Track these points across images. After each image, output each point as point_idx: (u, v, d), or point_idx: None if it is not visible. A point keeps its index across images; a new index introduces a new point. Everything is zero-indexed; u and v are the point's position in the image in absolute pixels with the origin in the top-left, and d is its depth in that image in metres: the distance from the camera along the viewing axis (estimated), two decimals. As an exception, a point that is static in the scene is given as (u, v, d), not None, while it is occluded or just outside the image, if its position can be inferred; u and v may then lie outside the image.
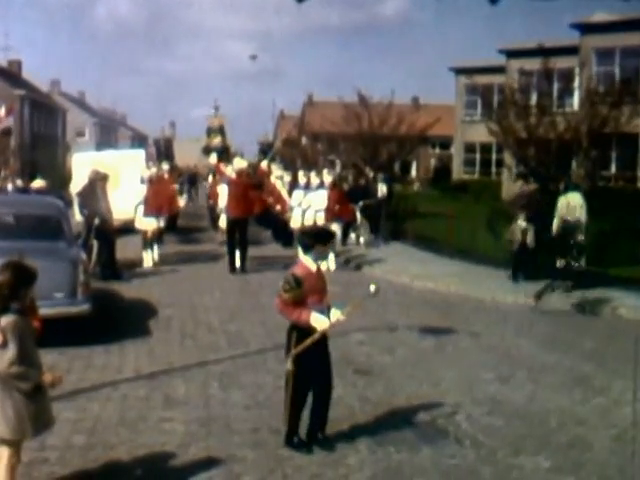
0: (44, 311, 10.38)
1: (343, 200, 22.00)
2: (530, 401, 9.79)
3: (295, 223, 22.21)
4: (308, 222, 20.53)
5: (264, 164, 29.10)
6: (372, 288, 7.96)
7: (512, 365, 11.46)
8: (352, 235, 26.12)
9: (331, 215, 20.90)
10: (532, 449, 8.09)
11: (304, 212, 21.55)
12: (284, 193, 24.52)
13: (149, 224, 20.48)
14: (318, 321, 7.63)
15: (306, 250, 7.86)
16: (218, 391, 9.92)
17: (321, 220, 20.40)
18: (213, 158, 29.77)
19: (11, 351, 5.98)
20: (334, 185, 21.79)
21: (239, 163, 21.70)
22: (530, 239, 17.93)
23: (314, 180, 22.15)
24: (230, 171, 21.48)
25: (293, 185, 25.24)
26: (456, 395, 9.93)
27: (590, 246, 19.79)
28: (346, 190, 25.26)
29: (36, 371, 6.14)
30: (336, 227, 20.76)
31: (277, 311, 7.89)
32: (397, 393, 9.97)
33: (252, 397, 9.65)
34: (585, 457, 7.97)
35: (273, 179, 26.85)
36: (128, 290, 16.70)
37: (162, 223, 21.16)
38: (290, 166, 36.85)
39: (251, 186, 21.54)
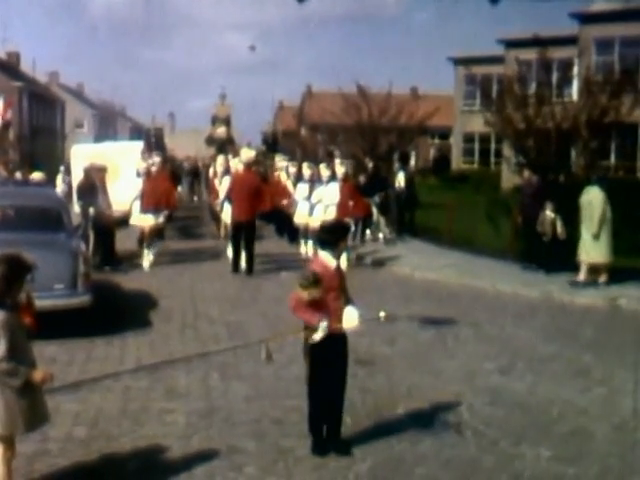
0: (44, 303, 10.46)
1: (356, 194, 19.64)
2: (531, 391, 9.80)
3: (300, 218, 21.13)
4: (317, 217, 19.03)
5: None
6: (382, 314, 7.94)
7: (513, 355, 11.47)
8: (367, 231, 23.77)
9: (344, 211, 18.53)
10: (533, 439, 8.10)
11: (313, 207, 20.01)
12: (289, 186, 23.18)
13: (146, 220, 19.10)
14: (321, 330, 7.31)
15: (325, 246, 7.66)
16: (219, 382, 9.94)
17: (332, 216, 18.13)
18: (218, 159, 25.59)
19: (0, 348, 5.96)
20: (347, 178, 19.58)
21: (247, 153, 19.56)
22: (560, 230, 17.74)
23: (324, 172, 20.14)
24: (236, 163, 20.04)
25: (298, 177, 23.53)
26: (457, 385, 9.94)
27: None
28: (363, 182, 23.38)
29: (27, 367, 6.10)
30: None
31: (290, 308, 7.47)
32: (398, 384, 9.98)
33: (253, 388, 9.66)
34: (586, 447, 7.98)
35: (277, 171, 25.93)
36: (128, 281, 16.69)
37: (161, 219, 19.65)
38: (292, 157, 35.39)
39: (259, 182, 19.83)
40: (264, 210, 20.58)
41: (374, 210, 23.53)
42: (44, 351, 9.93)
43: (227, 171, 21.48)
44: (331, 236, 7.73)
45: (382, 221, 24.13)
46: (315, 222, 18.99)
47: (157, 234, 20.22)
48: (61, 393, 9.04)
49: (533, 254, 18.44)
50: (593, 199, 16.73)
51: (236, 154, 24.87)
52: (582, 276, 16.87)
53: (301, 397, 8.27)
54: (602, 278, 16.86)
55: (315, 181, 20.78)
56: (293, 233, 23.26)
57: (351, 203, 18.84)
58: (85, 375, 10.06)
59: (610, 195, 17.08)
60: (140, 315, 13.73)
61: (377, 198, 23.67)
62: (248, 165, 18.89)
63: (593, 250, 16.71)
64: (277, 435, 8.06)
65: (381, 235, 23.82)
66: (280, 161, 27.59)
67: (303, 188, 21.39)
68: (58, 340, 11.23)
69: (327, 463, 7.38)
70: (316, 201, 19.93)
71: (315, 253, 8.08)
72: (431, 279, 17.99)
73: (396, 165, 27.26)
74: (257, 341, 11.83)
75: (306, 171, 22.03)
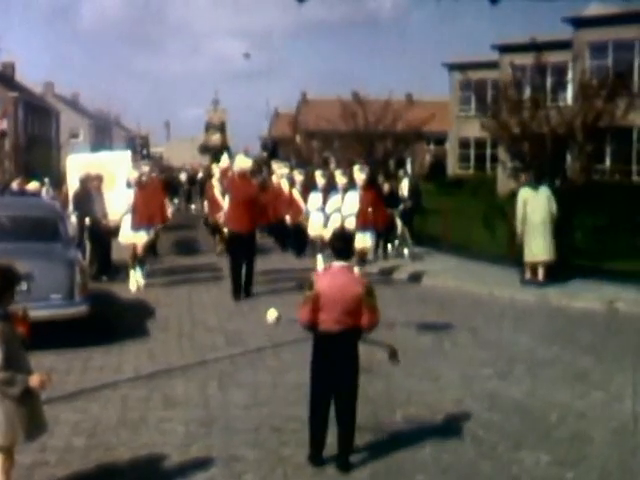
0: (41, 313, 10.48)
1: (378, 204, 17.57)
2: (529, 396, 9.79)
3: (314, 230, 19.28)
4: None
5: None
6: (273, 316, 7.89)
7: (511, 360, 11.46)
8: (389, 246, 21.92)
9: (364, 221, 16.81)
10: (532, 444, 8.10)
11: (329, 217, 17.81)
12: (296, 195, 21.80)
13: (140, 238, 17.23)
14: None
15: (340, 255, 7.56)
16: (217, 391, 9.92)
17: (352, 226, 16.52)
18: (224, 161, 23.49)
19: None
20: (368, 185, 17.55)
21: (243, 162, 17.54)
22: None
23: (340, 180, 18.09)
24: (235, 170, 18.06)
25: (306, 186, 21.82)
26: (455, 391, 9.94)
27: (586, 240, 19.86)
28: (387, 192, 21.52)
29: (24, 376, 6.07)
30: (369, 236, 17.08)
31: (374, 325, 7.42)
32: (396, 390, 9.97)
33: (251, 396, 9.64)
34: (585, 451, 7.97)
35: (276, 179, 24.75)
36: (125, 291, 16.67)
37: (152, 235, 18.01)
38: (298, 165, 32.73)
39: (257, 191, 18.04)
40: (265, 223, 19.52)
41: (398, 222, 21.82)
42: (42, 361, 9.91)
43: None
44: (345, 244, 7.68)
45: (407, 234, 21.94)
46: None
47: (149, 249, 19.22)
48: (59, 403, 9.03)
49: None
50: (518, 200, 17.22)
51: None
52: (526, 274, 17.31)
53: (299, 405, 8.28)
54: (539, 276, 17.15)
55: (334, 189, 18.42)
56: (302, 246, 22.09)
57: (370, 210, 16.98)
58: (83, 385, 10.05)
59: (605, 199, 17.12)
60: (138, 324, 13.72)
61: (401, 207, 22.16)
62: (243, 173, 17.11)
63: (524, 249, 17.20)
64: (276, 443, 8.05)
65: (406, 250, 21.59)
66: (280, 168, 25.84)
67: (316, 197, 19.76)
68: (55, 350, 11.22)
69: (326, 471, 7.37)
70: (332, 211, 17.81)
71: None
72: (428, 284, 17.99)
73: (401, 172, 25.93)
74: (255, 349, 11.90)
75: (319, 179, 20.32)
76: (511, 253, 19.77)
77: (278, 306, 8.40)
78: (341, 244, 7.66)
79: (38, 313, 9.34)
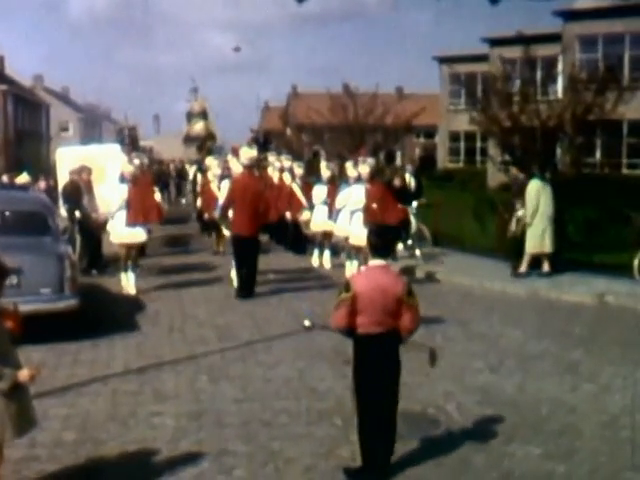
0: (31, 307, 10.44)
1: (389, 198, 16.34)
2: (520, 389, 9.80)
3: (318, 226, 18.95)
4: (341, 225, 16.94)
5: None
6: (307, 323, 7.85)
7: (501, 353, 11.47)
8: (400, 246, 19.41)
9: (371, 216, 15.44)
10: (523, 437, 8.10)
11: (338, 212, 17.05)
12: (296, 190, 20.87)
13: (135, 236, 15.90)
14: None
15: (378, 253, 7.09)
16: (208, 385, 9.90)
17: (360, 221, 15.86)
18: (211, 161, 22.67)
19: None
20: (373, 178, 16.52)
21: (248, 153, 16.35)
22: (514, 227, 17.72)
23: (351, 172, 17.04)
24: (236, 165, 17.29)
25: (306, 180, 21.05)
26: (446, 384, 9.93)
27: (576, 233, 19.89)
28: (398, 186, 19.76)
29: (12, 371, 6.01)
30: None
31: (416, 326, 7.49)
32: (387, 383, 9.95)
33: (242, 390, 9.63)
34: (576, 444, 7.97)
35: (271, 172, 23.87)
36: (115, 285, 16.60)
37: (148, 233, 16.69)
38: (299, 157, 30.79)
39: (263, 187, 17.22)
40: (270, 222, 18.49)
41: (412, 220, 20.28)
42: (31, 355, 9.88)
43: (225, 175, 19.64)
44: (383, 240, 7.16)
45: (427, 232, 20.90)
46: (340, 231, 16.97)
47: (141, 252, 18.35)
48: (49, 397, 8.99)
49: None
50: (529, 191, 17.17)
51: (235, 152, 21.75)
52: (523, 267, 17.34)
53: (290, 399, 8.26)
54: (544, 268, 17.29)
55: (346, 183, 17.42)
56: (301, 243, 21.39)
57: (374, 206, 15.77)
58: (73, 379, 10.01)
59: (595, 192, 17.15)
60: (128, 318, 13.68)
61: (415, 204, 20.81)
62: (250, 167, 16.18)
63: (530, 240, 17.16)
64: (266, 437, 8.03)
65: (418, 252, 19.97)
66: (280, 161, 24.50)
67: (321, 190, 19.25)
68: (45, 344, 11.18)
69: (317, 464, 7.37)
70: (341, 205, 16.98)
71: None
72: (418, 277, 17.96)
73: (406, 167, 24.38)
74: (246, 343, 11.88)
75: (324, 172, 19.74)
76: (500, 246, 19.76)
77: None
78: (378, 240, 7.14)
79: (28, 307, 9.30)
